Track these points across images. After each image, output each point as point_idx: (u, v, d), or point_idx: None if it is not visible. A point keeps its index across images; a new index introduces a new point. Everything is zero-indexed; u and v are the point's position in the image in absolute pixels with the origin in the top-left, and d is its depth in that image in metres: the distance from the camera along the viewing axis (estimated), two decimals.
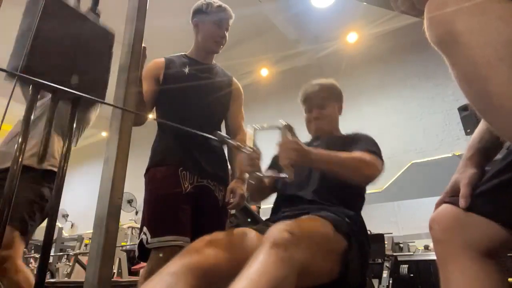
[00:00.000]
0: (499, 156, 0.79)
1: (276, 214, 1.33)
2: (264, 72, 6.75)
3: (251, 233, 1.06)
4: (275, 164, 1.44)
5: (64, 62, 1.00)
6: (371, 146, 1.34)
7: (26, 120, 0.96)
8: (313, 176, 1.36)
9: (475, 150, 0.85)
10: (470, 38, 0.41)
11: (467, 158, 0.85)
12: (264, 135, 1.25)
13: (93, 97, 1.06)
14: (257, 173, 1.23)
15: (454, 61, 0.44)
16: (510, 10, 0.40)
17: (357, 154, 1.26)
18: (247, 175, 1.48)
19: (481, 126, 0.88)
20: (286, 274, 0.73)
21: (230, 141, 1.34)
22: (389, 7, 0.60)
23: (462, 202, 0.78)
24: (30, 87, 0.95)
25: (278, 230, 0.81)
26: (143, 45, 1.25)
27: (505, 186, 0.71)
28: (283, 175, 1.13)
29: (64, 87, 0.99)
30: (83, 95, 1.02)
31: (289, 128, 1.18)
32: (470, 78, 0.43)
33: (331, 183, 1.28)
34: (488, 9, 0.41)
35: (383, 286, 3.52)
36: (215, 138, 1.37)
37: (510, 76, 0.37)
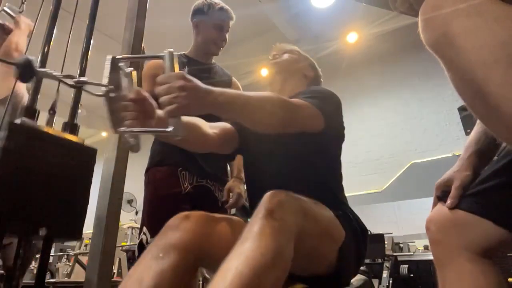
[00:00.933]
0: (495, 157, 0.80)
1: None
2: (264, 72, 6.74)
3: (235, 219, 1.00)
4: None
5: (34, 211, 0.86)
6: (319, 101, 1.03)
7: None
8: (273, 159, 1.13)
9: (472, 151, 0.85)
10: (465, 40, 0.41)
11: (464, 159, 0.86)
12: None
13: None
14: (128, 129, 0.82)
15: (450, 63, 0.44)
16: (506, 12, 0.40)
17: (287, 98, 0.98)
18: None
19: (478, 127, 0.88)
20: (283, 244, 0.68)
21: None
22: (388, 7, 0.59)
23: (449, 202, 0.80)
24: None
25: (273, 193, 0.75)
26: (143, 45, 1.25)
27: (501, 187, 0.72)
28: (168, 129, 0.76)
29: (31, 238, 0.89)
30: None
31: (174, 59, 0.78)
32: (466, 80, 0.42)
33: (299, 166, 1.09)
34: (483, 11, 0.41)
35: (383, 286, 3.52)
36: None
37: (506, 78, 0.37)
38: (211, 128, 1.12)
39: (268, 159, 1.14)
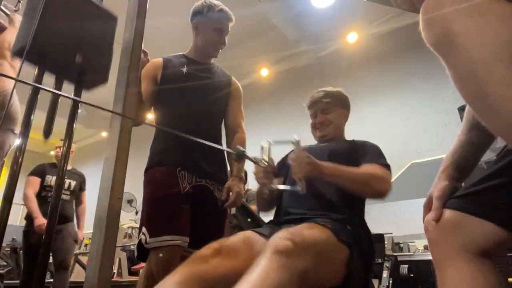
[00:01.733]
0: (494, 157, 0.80)
1: (278, 217, 1.33)
2: (264, 72, 6.75)
3: (257, 240, 1.05)
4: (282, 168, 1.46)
5: (68, 42, 1.04)
6: (380, 158, 1.35)
7: (27, 118, 0.97)
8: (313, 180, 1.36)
9: (448, 163, 0.89)
10: (467, 39, 0.41)
11: (441, 171, 0.90)
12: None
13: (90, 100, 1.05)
14: (272, 186, 1.28)
15: (451, 62, 0.44)
16: (508, 11, 0.40)
17: (368, 169, 1.27)
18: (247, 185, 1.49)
19: (456, 141, 0.92)
20: (287, 280, 0.73)
21: (247, 155, 1.39)
22: (389, 3, 0.59)
23: (433, 215, 0.82)
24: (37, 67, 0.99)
25: (280, 238, 0.81)
26: (143, 48, 1.25)
27: (501, 187, 0.73)
28: (296, 188, 1.18)
29: (69, 66, 1.03)
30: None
31: (300, 144, 1.24)
32: (467, 79, 0.42)
33: (332, 188, 1.29)
34: (485, 10, 0.41)
35: (383, 286, 3.52)
36: (233, 152, 1.43)
37: (508, 78, 0.37)
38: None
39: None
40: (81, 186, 3.47)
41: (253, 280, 0.70)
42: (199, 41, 1.71)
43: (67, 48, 1.03)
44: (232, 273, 0.87)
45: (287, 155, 1.49)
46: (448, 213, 0.80)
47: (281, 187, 1.32)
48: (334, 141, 1.49)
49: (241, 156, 1.36)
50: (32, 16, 0.96)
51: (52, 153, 4.12)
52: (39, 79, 0.99)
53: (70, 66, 1.04)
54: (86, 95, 1.15)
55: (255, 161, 1.31)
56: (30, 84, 0.96)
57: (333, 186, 1.26)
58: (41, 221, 2.81)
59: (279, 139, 1.36)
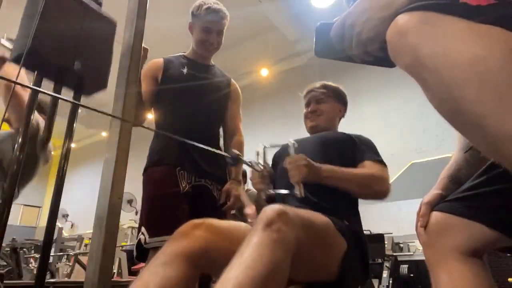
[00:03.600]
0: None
1: None
2: (264, 72, 6.75)
3: (246, 226, 1.03)
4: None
5: (67, 48, 1.03)
6: (376, 155, 1.33)
7: (27, 118, 0.97)
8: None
9: (444, 175, 0.97)
10: (436, 61, 0.42)
11: (437, 182, 0.98)
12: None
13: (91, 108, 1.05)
14: (269, 191, 1.25)
15: (426, 84, 0.46)
16: (470, 30, 0.41)
17: (367, 169, 1.25)
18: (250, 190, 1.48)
19: (452, 158, 0.99)
20: (281, 256, 0.70)
21: (243, 158, 1.36)
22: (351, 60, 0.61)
23: (421, 221, 0.90)
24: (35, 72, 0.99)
25: (271, 209, 0.78)
26: (143, 45, 1.25)
27: (485, 194, 0.78)
28: (294, 192, 1.15)
29: (68, 72, 1.03)
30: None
31: (295, 147, 1.21)
32: (443, 99, 0.44)
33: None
34: (449, 31, 0.42)
35: (383, 286, 3.52)
36: (228, 156, 1.38)
37: (479, 96, 0.39)
38: None
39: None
40: None
41: (246, 261, 0.66)
42: (193, 42, 1.72)
43: (66, 54, 1.02)
44: (218, 248, 0.84)
45: (276, 154, 1.46)
46: (438, 216, 0.85)
47: (279, 191, 1.30)
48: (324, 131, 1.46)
49: (236, 161, 1.33)
50: (30, 22, 0.95)
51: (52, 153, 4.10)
52: (37, 85, 0.98)
53: (69, 72, 1.03)
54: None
55: (250, 165, 1.28)
56: (30, 88, 0.97)
57: (330, 188, 1.23)
58: None
59: (274, 143, 1.34)
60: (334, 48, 0.59)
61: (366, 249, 1.17)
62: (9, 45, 1.70)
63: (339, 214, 1.13)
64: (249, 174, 1.43)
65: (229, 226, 0.96)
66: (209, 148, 1.38)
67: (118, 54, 1.15)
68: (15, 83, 0.91)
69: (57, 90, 1.05)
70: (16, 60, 0.94)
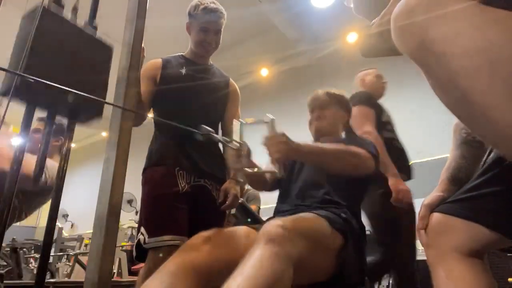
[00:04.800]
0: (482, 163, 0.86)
1: (277, 215, 1.33)
2: (264, 72, 6.74)
3: (248, 230, 1.06)
4: None
5: (60, 80, 0.94)
6: (369, 147, 1.32)
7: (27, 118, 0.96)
8: (305, 171, 1.35)
9: (444, 177, 0.99)
10: (445, 47, 0.40)
11: (438, 184, 1.00)
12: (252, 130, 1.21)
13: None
14: (246, 169, 1.20)
15: (430, 71, 0.43)
16: (484, 17, 0.39)
17: (349, 147, 1.25)
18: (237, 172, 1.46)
19: (449, 156, 1.01)
20: (282, 269, 0.72)
21: (215, 135, 1.29)
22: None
23: (419, 224, 0.92)
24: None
25: (272, 225, 0.80)
26: (143, 45, 1.25)
27: (486, 195, 0.79)
28: (273, 170, 1.11)
29: (61, 104, 0.97)
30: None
31: (274, 123, 1.15)
32: (448, 87, 0.42)
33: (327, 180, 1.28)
34: (459, 15, 0.39)
35: (383, 286, 3.51)
36: (199, 132, 1.29)
37: (490, 87, 0.37)
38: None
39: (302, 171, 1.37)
40: None
41: (247, 271, 0.69)
42: (191, 42, 1.72)
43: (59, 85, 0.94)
44: (224, 261, 0.87)
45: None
46: (439, 217, 0.87)
47: (258, 170, 1.24)
48: (329, 137, 1.48)
49: (208, 137, 1.24)
50: (21, 51, 0.89)
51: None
52: (29, 116, 0.93)
53: (62, 103, 0.98)
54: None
55: (224, 142, 1.22)
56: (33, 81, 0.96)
57: (327, 178, 1.24)
58: None
59: (251, 119, 1.25)
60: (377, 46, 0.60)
61: (364, 244, 1.19)
62: None
63: (337, 209, 1.14)
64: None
65: (238, 237, 1.00)
66: (186, 127, 1.28)
67: (118, 55, 1.14)
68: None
69: (50, 124, 1.00)
70: (5, 93, 0.87)
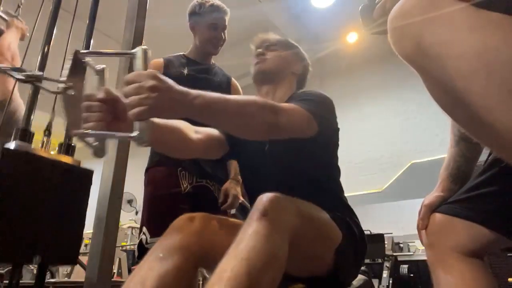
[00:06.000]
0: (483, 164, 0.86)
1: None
2: None
3: (239, 221, 0.98)
4: None
5: (27, 238, 0.83)
6: (311, 105, 0.97)
7: (27, 118, 0.96)
8: (267, 164, 1.09)
9: (444, 177, 0.97)
10: (440, 49, 0.39)
11: (438, 184, 0.98)
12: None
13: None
14: (89, 132, 0.76)
15: (426, 73, 0.43)
16: (479, 20, 0.39)
17: (272, 102, 0.91)
18: None
19: (448, 154, 1.00)
20: (277, 245, 0.69)
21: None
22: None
23: (420, 224, 0.91)
24: None
25: (266, 198, 0.74)
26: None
27: (486, 195, 0.79)
28: (132, 134, 0.68)
29: (29, 257, 0.84)
30: None
31: (147, 56, 0.73)
32: (444, 90, 0.41)
33: (293, 168, 1.06)
34: (456, 18, 0.39)
35: (383, 286, 3.52)
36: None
37: (487, 89, 0.36)
38: (196, 132, 1.03)
39: (262, 164, 1.09)
40: None
41: (241, 251, 0.64)
42: (197, 40, 1.72)
43: (24, 249, 0.83)
44: (207, 239, 0.83)
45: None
46: (439, 217, 0.87)
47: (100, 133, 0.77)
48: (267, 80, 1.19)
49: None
50: None
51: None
52: None
53: (31, 256, 0.85)
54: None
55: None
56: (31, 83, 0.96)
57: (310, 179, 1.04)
58: None
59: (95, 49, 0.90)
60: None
61: (362, 240, 1.07)
62: (6, 16, 1.72)
63: (333, 204, 1.05)
64: None
65: (222, 219, 0.94)
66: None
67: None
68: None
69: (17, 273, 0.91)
70: None
